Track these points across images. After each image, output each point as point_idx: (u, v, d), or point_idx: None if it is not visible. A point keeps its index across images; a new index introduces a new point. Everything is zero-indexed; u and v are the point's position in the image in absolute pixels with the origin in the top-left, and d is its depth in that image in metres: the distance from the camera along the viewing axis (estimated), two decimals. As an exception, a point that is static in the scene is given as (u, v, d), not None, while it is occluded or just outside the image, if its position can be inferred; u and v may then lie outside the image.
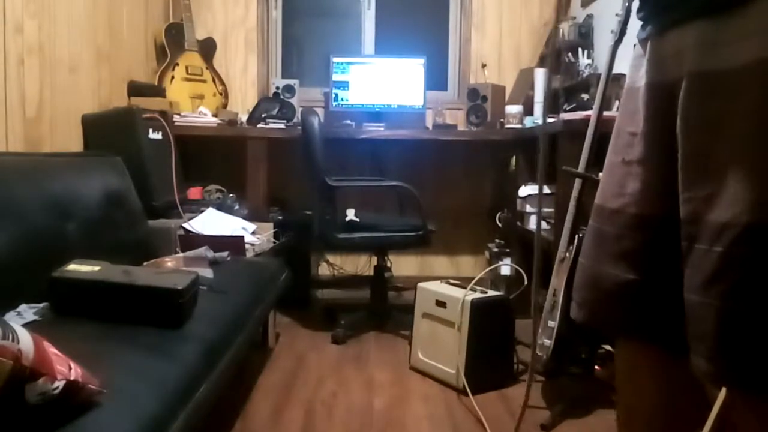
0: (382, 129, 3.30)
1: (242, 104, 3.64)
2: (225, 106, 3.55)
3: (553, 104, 3.12)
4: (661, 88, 0.95)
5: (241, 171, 3.12)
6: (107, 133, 2.50)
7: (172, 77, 3.30)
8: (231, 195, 2.98)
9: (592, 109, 1.97)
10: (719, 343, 0.82)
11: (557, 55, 3.32)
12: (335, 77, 3.52)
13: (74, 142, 2.42)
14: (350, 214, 2.72)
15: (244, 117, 3.31)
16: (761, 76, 0.79)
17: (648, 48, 0.99)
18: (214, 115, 3.29)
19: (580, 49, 3.13)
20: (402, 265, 3.70)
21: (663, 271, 0.96)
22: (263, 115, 3.24)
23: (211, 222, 2.56)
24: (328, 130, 3.09)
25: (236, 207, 2.89)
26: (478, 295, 2.20)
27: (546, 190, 2.70)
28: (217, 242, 2.24)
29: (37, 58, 2.13)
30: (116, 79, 2.82)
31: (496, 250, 3.39)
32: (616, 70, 1.88)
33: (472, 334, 2.13)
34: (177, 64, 3.33)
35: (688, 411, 1.09)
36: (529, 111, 3.27)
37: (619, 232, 1.02)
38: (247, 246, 2.46)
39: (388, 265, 3.03)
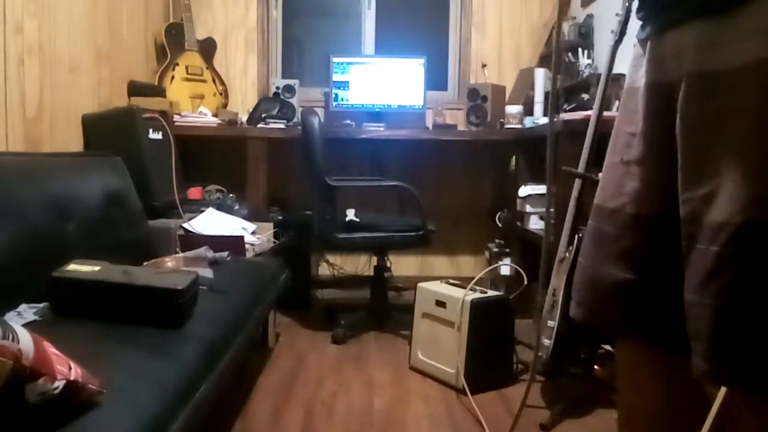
0: (382, 129, 3.30)
1: (242, 104, 3.64)
2: (225, 106, 3.55)
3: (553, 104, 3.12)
4: (660, 88, 0.95)
5: (241, 171, 3.13)
6: (107, 133, 2.50)
7: (172, 77, 3.30)
8: (231, 195, 2.98)
9: (592, 109, 1.97)
10: (716, 342, 0.82)
11: (558, 55, 3.32)
12: (335, 77, 3.52)
13: (74, 142, 2.42)
14: (350, 214, 2.72)
15: (244, 117, 3.31)
16: (761, 76, 0.79)
17: (647, 48, 0.99)
18: (214, 115, 3.29)
19: (580, 49, 3.13)
20: (402, 265, 3.70)
21: (661, 271, 0.96)
22: (263, 115, 3.24)
23: (211, 222, 2.56)
24: (328, 130, 3.09)
25: (236, 207, 2.89)
26: (477, 295, 2.21)
27: (546, 190, 2.70)
28: (217, 242, 2.24)
29: (37, 58, 2.13)
30: (116, 79, 2.82)
31: (496, 250, 3.39)
32: (616, 70, 1.88)
33: (472, 334, 2.13)
34: (177, 64, 3.33)
35: (688, 411, 1.09)
36: (529, 111, 3.27)
37: (617, 232, 1.02)
38: (247, 246, 2.46)
39: (388, 265, 3.03)
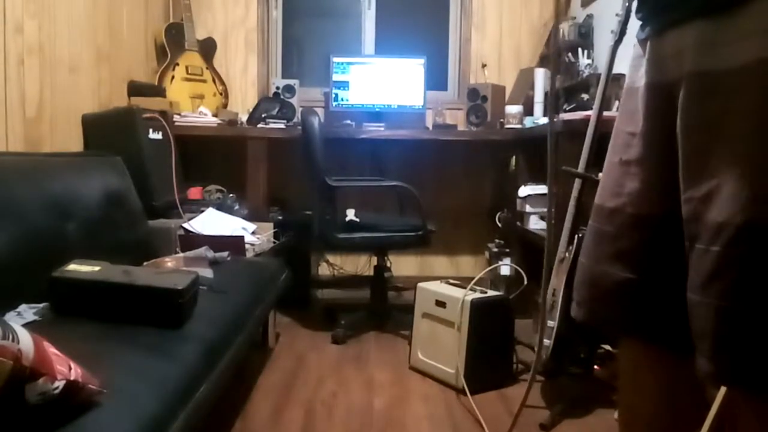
0: (382, 129, 3.30)
1: (242, 104, 3.64)
2: (225, 106, 3.55)
3: (553, 104, 3.12)
4: (660, 88, 0.95)
5: (241, 171, 3.13)
6: (107, 133, 2.50)
7: (172, 77, 3.30)
8: (231, 195, 2.98)
9: (592, 109, 1.97)
10: (718, 343, 0.82)
11: (557, 55, 3.32)
12: (335, 77, 3.53)
13: (74, 142, 2.42)
14: (350, 214, 2.72)
15: (244, 117, 3.31)
16: (760, 76, 0.79)
17: (647, 48, 0.99)
18: (214, 115, 3.29)
19: (580, 49, 3.13)
20: (402, 265, 3.70)
21: (662, 271, 0.96)
22: (263, 115, 3.24)
23: (211, 222, 2.56)
24: (328, 130, 3.09)
25: (236, 207, 2.89)
26: (477, 295, 2.21)
27: (546, 190, 2.71)
28: (217, 242, 2.24)
29: (37, 58, 2.13)
30: (116, 79, 2.82)
31: (495, 250, 3.39)
32: (616, 70, 1.88)
33: (472, 334, 2.13)
34: (177, 64, 3.33)
35: (688, 411, 1.09)
36: (529, 111, 3.27)
37: (617, 232, 1.02)
38: (247, 246, 2.46)
39: (388, 265, 3.03)
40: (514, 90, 3.61)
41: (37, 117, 2.14)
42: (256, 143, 3.12)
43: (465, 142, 3.43)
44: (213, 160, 3.43)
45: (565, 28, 3.37)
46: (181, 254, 2.11)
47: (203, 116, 3.20)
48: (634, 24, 1.08)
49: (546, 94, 3.23)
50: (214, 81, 3.51)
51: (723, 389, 1.18)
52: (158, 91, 3.13)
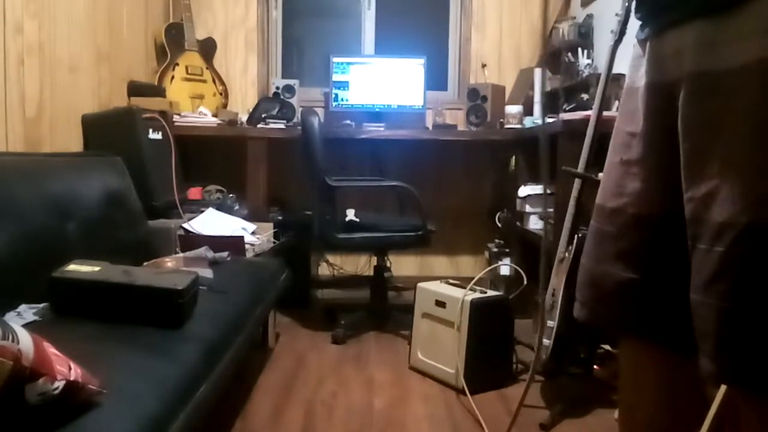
0: (382, 129, 3.30)
1: (242, 104, 3.64)
2: (225, 106, 3.55)
3: (552, 104, 3.12)
4: (660, 88, 0.95)
5: (241, 171, 3.13)
6: (107, 133, 2.50)
7: (172, 77, 3.30)
8: (231, 195, 2.98)
9: (591, 109, 1.97)
10: (720, 343, 0.82)
11: (555, 55, 3.32)
12: (335, 77, 3.53)
13: (74, 142, 2.42)
14: (350, 214, 2.72)
15: (244, 117, 3.31)
16: (760, 76, 0.79)
17: (647, 48, 0.99)
18: (214, 115, 3.29)
19: (579, 49, 3.13)
20: (402, 265, 3.70)
21: (663, 271, 0.96)
22: (263, 115, 3.24)
23: (211, 222, 2.56)
24: (328, 130, 3.09)
25: (236, 207, 2.89)
26: (477, 295, 2.21)
27: (547, 190, 2.70)
28: (217, 242, 2.24)
29: (37, 58, 2.13)
30: (116, 79, 2.82)
31: (495, 250, 3.39)
32: (615, 70, 1.88)
33: (472, 334, 2.13)
34: (177, 64, 3.33)
35: (688, 410, 1.09)
36: (529, 111, 3.27)
37: (618, 232, 1.03)
38: (247, 246, 2.46)
39: (388, 265, 3.03)
40: (513, 90, 3.61)
41: (37, 117, 2.14)
42: (256, 143, 3.12)
43: (465, 142, 3.43)
44: (213, 160, 3.43)
45: (564, 28, 3.37)
46: (181, 254, 2.11)
47: (203, 116, 3.20)
48: (634, 24, 1.08)
49: (546, 94, 3.23)
50: (214, 81, 3.51)
51: (723, 389, 1.18)
52: (158, 91, 3.13)
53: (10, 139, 1.97)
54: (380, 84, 3.51)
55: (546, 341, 1.94)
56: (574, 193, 1.95)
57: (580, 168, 1.92)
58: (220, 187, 3.02)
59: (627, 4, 1.82)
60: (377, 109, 3.52)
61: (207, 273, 1.82)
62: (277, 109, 3.28)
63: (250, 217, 2.83)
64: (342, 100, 3.54)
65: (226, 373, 1.48)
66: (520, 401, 1.70)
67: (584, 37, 3.23)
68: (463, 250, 3.80)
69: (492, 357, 2.22)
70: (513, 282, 3.00)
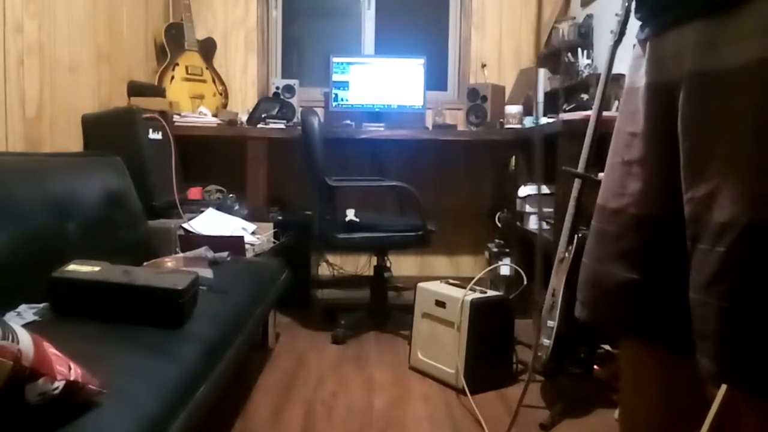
0: (382, 129, 3.30)
1: (242, 104, 3.64)
2: (225, 106, 3.55)
3: (552, 104, 3.12)
4: (660, 89, 0.95)
5: (241, 171, 3.13)
6: (107, 133, 2.50)
7: (172, 77, 3.30)
8: (231, 195, 2.98)
9: (591, 109, 1.97)
10: (721, 343, 0.82)
11: (555, 55, 3.32)
12: (335, 77, 3.53)
13: (74, 142, 2.42)
14: (350, 214, 2.72)
15: (244, 117, 3.31)
16: (760, 76, 0.79)
17: (647, 48, 0.99)
18: (214, 115, 3.29)
19: (579, 49, 3.13)
20: (402, 265, 3.70)
21: (664, 271, 0.96)
22: (263, 115, 3.24)
23: (211, 222, 2.56)
24: (328, 130, 3.09)
25: (236, 207, 2.89)
26: (477, 295, 2.21)
27: (546, 190, 2.71)
28: (217, 242, 2.24)
29: (37, 58, 2.13)
30: (116, 79, 2.82)
31: (495, 250, 3.39)
32: (615, 70, 1.88)
33: (472, 334, 2.13)
34: (177, 64, 3.33)
35: (688, 410, 1.09)
36: (528, 111, 3.27)
37: (619, 232, 1.03)
38: (247, 246, 2.46)
39: (388, 265, 3.03)
40: (513, 90, 3.61)
41: (37, 117, 2.14)
42: (256, 143, 3.12)
43: (465, 142, 3.43)
44: (213, 160, 3.43)
45: (564, 28, 3.37)
46: (181, 254, 2.11)
47: (203, 116, 3.20)
48: (634, 24, 1.08)
49: (546, 94, 3.23)
50: (213, 81, 3.51)
51: (723, 389, 1.18)
52: (158, 91, 3.13)
53: (10, 139, 1.97)
54: (380, 84, 3.51)
55: (546, 341, 1.94)
56: (574, 193, 1.94)
57: (580, 168, 1.92)
58: (220, 187, 3.02)
59: (627, 4, 1.82)
60: (377, 109, 3.52)
61: (207, 273, 1.82)
62: (277, 109, 3.28)
63: (250, 217, 2.83)
64: (342, 100, 3.54)
65: (226, 373, 1.48)
66: (519, 401, 1.70)
67: (584, 37, 3.23)
68: (463, 250, 3.80)
69: (492, 357, 2.22)
70: (513, 282, 3.00)
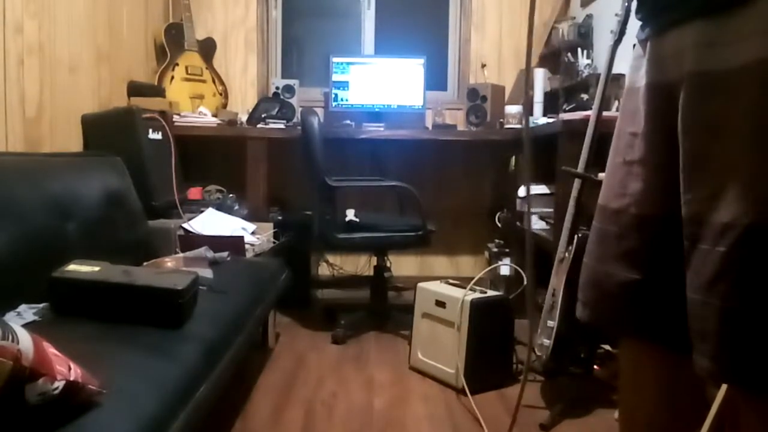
0: (381, 129, 3.30)
1: (242, 104, 3.64)
2: (225, 106, 3.55)
3: (552, 104, 3.13)
4: (661, 89, 0.95)
5: (241, 171, 3.13)
6: (107, 133, 2.50)
7: (172, 77, 3.30)
8: (231, 195, 2.98)
9: (591, 109, 1.97)
10: (721, 343, 0.82)
11: (555, 55, 3.32)
12: (335, 77, 3.53)
13: (74, 142, 2.42)
14: (350, 214, 2.72)
15: (244, 117, 3.31)
16: (761, 76, 0.79)
17: (648, 48, 0.99)
18: (214, 115, 3.29)
19: (579, 49, 3.13)
20: (402, 265, 3.70)
21: (665, 271, 0.96)
22: (263, 115, 3.24)
23: (211, 222, 2.56)
24: (328, 130, 3.09)
25: (236, 207, 2.89)
26: (477, 295, 2.21)
27: (546, 190, 2.71)
28: (217, 242, 2.24)
29: (37, 58, 2.13)
30: (116, 79, 2.82)
31: (495, 250, 3.39)
32: (615, 70, 1.88)
33: (472, 334, 2.13)
34: (177, 64, 3.33)
35: (688, 410, 1.09)
36: (529, 111, 3.27)
37: (621, 232, 1.03)
38: (247, 246, 2.46)
39: (388, 265, 3.03)
40: (513, 90, 3.61)
41: (36, 117, 2.14)
42: (256, 143, 3.12)
43: (465, 142, 3.43)
44: (213, 160, 3.43)
45: (564, 28, 3.37)
46: (181, 254, 2.11)
47: (203, 116, 3.20)
48: (634, 24, 1.08)
49: (545, 94, 3.23)
50: (213, 81, 3.51)
51: (723, 389, 1.18)
52: (158, 91, 3.13)
53: (10, 139, 1.97)
54: (380, 84, 3.51)
55: (546, 341, 1.94)
56: (574, 193, 1.95)
57: (580, 168, 1.92)
58: (220, 187, 3.02)
59: (627, 4, 1.82)
60: (377, 109, 3.52)
61: (207, 273, 1.82)
62: (276, 109, 3.28)
63: (250, 217, 2.83)
64: (342, 100, 3.54)
65: (226, 373, 1.48)
66: (518, 401, 1.70)
67: (584, 37, 3.23)
68: (463, 250, 3.80)
69: (492, 357, 2.22)
70: (513, 282, 3.00)
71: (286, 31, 3.87)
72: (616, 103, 2.52)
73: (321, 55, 3.74)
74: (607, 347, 2.21)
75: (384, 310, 2.93)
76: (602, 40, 3.10)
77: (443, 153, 3.64)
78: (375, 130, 3.29)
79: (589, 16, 3.27)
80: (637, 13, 1.03)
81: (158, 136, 2.63)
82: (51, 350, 0.91)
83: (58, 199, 1.75)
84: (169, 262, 1.96)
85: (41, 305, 1.42)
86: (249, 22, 3.70)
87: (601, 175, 1.13)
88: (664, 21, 0.94)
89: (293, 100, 3.40)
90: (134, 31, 3.06)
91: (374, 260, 2.95)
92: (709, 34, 0.85)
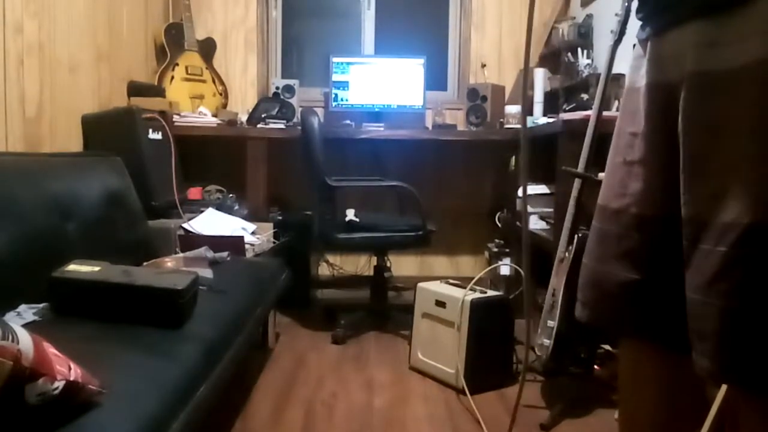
0: (381, 129, 3.30)
1: (242, 104, 3.64)
2: (225, 106, 3.55)
3: (552, 104, 3.13)
4: (661, 89, 0.95)
5: (241, 171, 3.13)
6: (107, 133, 2.50)
7: (172, 77, 3.30)
8: (231, 195, 2.98)
9: (591, 109, 1.97)
10: (722, 343, 0.82)
11: (555, 55, 3.32)
12: (335, 77, 3.53)
13: (74, 142, 2.42)
14: (350, 214, 2.72)
15: (243, 117, 3.31)
16: (761, 76, 0.79)
17: (648, 48, 0.99)
18: (214, 115, 3.29)
19: (579, 49, 3.13)
20: (402, 265, 3.70)
21: (665, 271, 0.96)
22: (263, 115, 3.24)
23: (211, 222, 2.56)
24: (328, 130, 3.09)
25: (236, 207, 2.89)
26: (477, 295, 2.20)
27: (546, 190, 2.71)
28: (217, 242, 2.24)
29: (37, 58, 2.13)
30: (116, 79, 2.82)
31: (495, 250, 3.39)
32: (615, 70, 1.88)
33: (472, 334, 2.13)
34: (177, 64, 3.33)
35: (688, 410, 1.09)
36: (528, 111, 3.27)
37: (621, 232, 1.02)
38: (247, 246, 2.46)
39: (388, 265, 3.03)
40: (513, 90, 3.61)
41: (36, 117, 2.14)
42: (256, 143, 3.12)
43: (465, 142, 3.42)
44: (213, 160, 3.43)
45: (564, 28, 3.37)
46: (181, 254, 2.11)
47: (203, 116, 3.20)
48: (634, 24, 1.08)
49: (545, 94, 3.23)
50: (213, 81, 3.51)
51: (723, 388, 1.18)
52: (158, 91, 3.13)
53: (10, 139, 1.97)
54: (380, 84, 3.51)
55: (546, 341, 1.94)
56: (574, 193, 1.95)
57: (580, 168, 1.92)
58: (220, 187, 3.02)
59: (627, 4, 1.82)
60: (377, 109, 3.52)
61: (207, 273, 1.82)
62: (276, 109, 3.28)
63: (250, 217, 2.83)
64: (342, 100, 3.54)
65: (226, 373, 1.48)
66: (516, 401, 1.70)
67: (584, 37, 3.23)
68: (463, 250, 3.80)
69: (492, 357, 2.22)
70: (513, 282, 3.00)
71: (286, 31, 3.87)
72: (616, 103, 2.52)
73: (321, 55, 3.74)
74: (607, 347, 2.21)
75: (384, 310, 2.94)
76: (602, 40, 3.10)
77: (443, 153, 3.64)
78: (375, 130, 3.29)
79: (589, 16, 3.27)
80: (637, 12, 1.03)
81: (158, 136, 2.63)
82: (51, 350, 0.91)
83: (58, 199, 1.75)
84: (169, 262, 1.96)
85: (41, 305, 1.42)
86: (249, 22, 3.70)
87: (601, 175, 1.13)
88: (665, 21, 0.94)
89: (293, 100, 3.40)
90: (134, 31, 3.06)
91: (374, 260, 2.95)
92: (709, 34, 0.85)
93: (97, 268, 1.42)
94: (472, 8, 3.75)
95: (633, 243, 1.00)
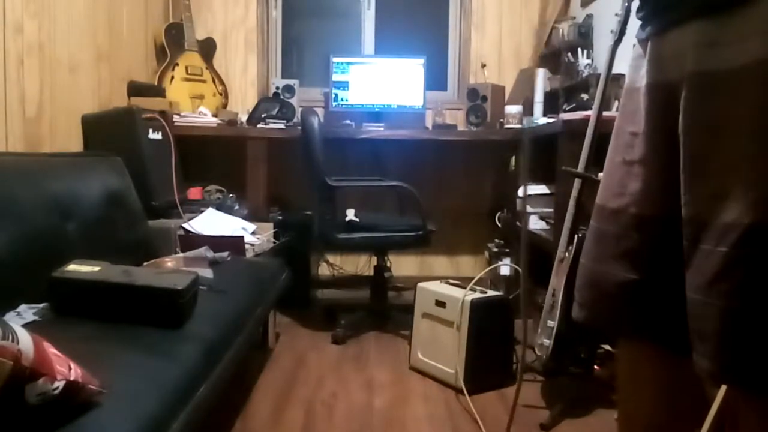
0: (382, 129, 3.30)
1: (242, 104, 3.64)
2: (225, 106, 3.55)
3: (552, 104, 3.13)
4: (661, 89, 0.95)
5: (241, 171, 3.13)
6: (107, 133, 2.50)
7: (172, 77, 3.30)
8: (231, 195, 2.98)
9: (591, 109, 1.97)
10: (722, 343, 0.82)
11: (555, 55, 3.32)
12: (335, 77, 3.53)
13: (74, 142, 2.42)
14: (350, 214, 2.72)
15: (244, 117, 3.31)
16: (761, 76, 0.79)
17: (648, 48, 0.99)
18: (214, 115, 3.29)
19: (579, 49, 3.13)
20: (402, 265, 3.70)
21: (664, 271, 0.96)
22: (263, 115, 3.24)
23: (211, 222, 2.56)
24: (328, 130, 3.09)
25: (236, 207, 2.89)
26: (477, 295, 2.20)
27: (546, 190, 2.71)
28: (217, 242, 2.24)
29: (37, 58, 2.13)
30: (116, 79, 2.82)
31: (495, 250, 3.39)
32: (615, 70, 1.88)
33: (472, 334, 2.13)
34: (177, 64, 3.33)
35: (688, 410, 1.09)
36: (528, 111, 3.27)
37: (619, 232, 1.02)
38: (247, 246, 2.46)
39: (388, 265, 3.03)
40: (513, 90, 3.61)
41: (36, 117, 2.14)
42: (256, 143, 3.12)
43: (465, 142, 3.42)
44: (213, 160, 3.43)
45: (564, 28, 3.37)
46: (181, 254, 2.11)
47: (203, 116, 3.20)
48: (634, 24, 1.08)
49: (546, 94, 3.23)
50: (213, 81, 3.51)
51: (723, 389, 1.18)
52: (158, 91, 3.13)
53: (10, 139, 1.97)
54: (380, 84, 3.51)
55: (546, 341, 1.94)
56: (574, 193, 1.95)
57: (580, 168, 1.92)
58: (220, 187, 3.02)
59: (627, 4, 1.82)
60: (377, 109, 3.52)
61: (207, 273, 1.82)
62: (277, 109, 3.28)
63: (250, 217, 2.83)
64: (342, 100, 3.54)
65: (226, 373, 1.48)
66: (514, 401, 1.70)
67: (584, 37, 3.23)
68: (463, 250, 3.80)
69: (492, 357, 2.22)
70: (513, 282, 3.00)
71: (286, 31, 3.87)
72: (616, 103, 2.51)
73: (321, 55, 3.74)
74: (607, 347, 2.21)
75: (384, 310, 2.94)
76: (602, 40, 3.10)
77: (443, 153, 3.64)
78: (375, 130, 3.29)
79: (589, 16, 3.27)
80: (637, 12, 1.03)
81: (158, 136, 2.63)
82: (51, 350, 0.91)
83: (58, 199, 1.75)
84: (169, 262, 1.96)
85: (41, 305, 1.42)
86: (249, 22, 3.70)
87: (601, 175, 1.13)
88: (665, 21, 0.94)
89: (293, 100, 3.40)
90: (134, 31, 3.06)
91: (374, 260, 2.95)
92: (709, 34, 0.85)
93: (97, 268, 1.42)
94: (472, 8, 3.75)
95: (632, 243, 1.00)
